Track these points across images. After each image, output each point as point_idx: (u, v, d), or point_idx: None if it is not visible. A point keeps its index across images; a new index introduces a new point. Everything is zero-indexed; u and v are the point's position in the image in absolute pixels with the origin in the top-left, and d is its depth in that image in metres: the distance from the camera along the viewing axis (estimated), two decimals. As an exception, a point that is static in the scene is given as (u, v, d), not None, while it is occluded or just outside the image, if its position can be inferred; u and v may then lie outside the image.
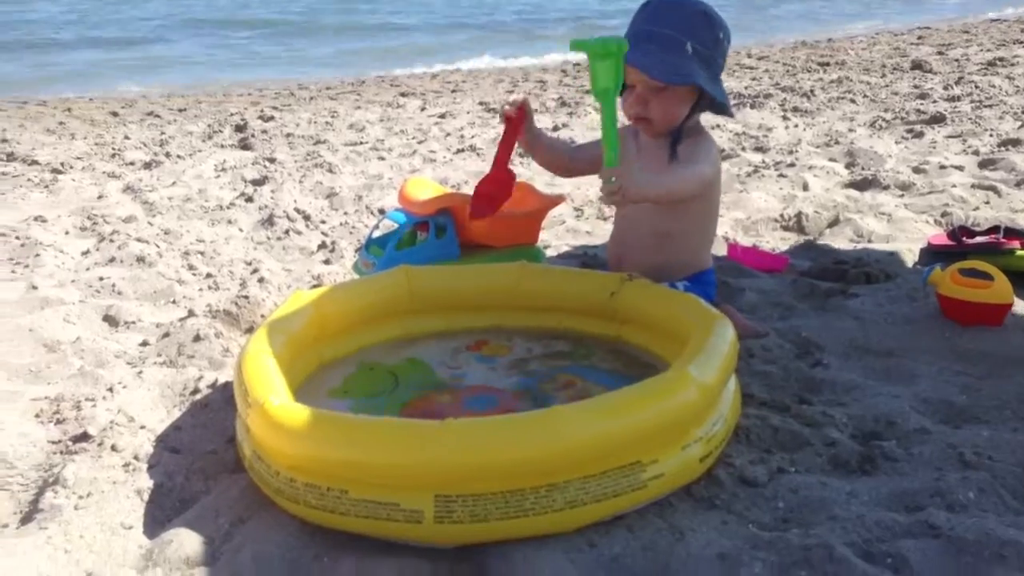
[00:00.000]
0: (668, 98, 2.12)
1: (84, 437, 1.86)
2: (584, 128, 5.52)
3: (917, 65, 7.42)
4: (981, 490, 1.58)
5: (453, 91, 7.68)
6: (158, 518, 1.63)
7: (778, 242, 3.28)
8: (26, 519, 1.64)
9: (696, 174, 2.13)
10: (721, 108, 2.20)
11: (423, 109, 6.65)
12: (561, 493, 1.47)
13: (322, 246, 3.31)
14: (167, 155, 5.04)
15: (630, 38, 2.10)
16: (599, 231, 3.40)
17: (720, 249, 3.01)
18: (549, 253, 3.06)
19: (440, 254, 2.48)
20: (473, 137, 5.35)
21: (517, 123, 2.23)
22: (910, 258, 2.93)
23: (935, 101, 5.79)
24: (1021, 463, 1.68)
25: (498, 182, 2.25)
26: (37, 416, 2.00)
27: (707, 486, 1.63)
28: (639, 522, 1.52)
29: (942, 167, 4.10)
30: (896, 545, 1.42)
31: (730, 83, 7.03)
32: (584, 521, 1.50)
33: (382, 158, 4.89)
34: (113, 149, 5.18)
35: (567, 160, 2.41)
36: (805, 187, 3.91)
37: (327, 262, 3.15)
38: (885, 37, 10.64)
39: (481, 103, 6.78)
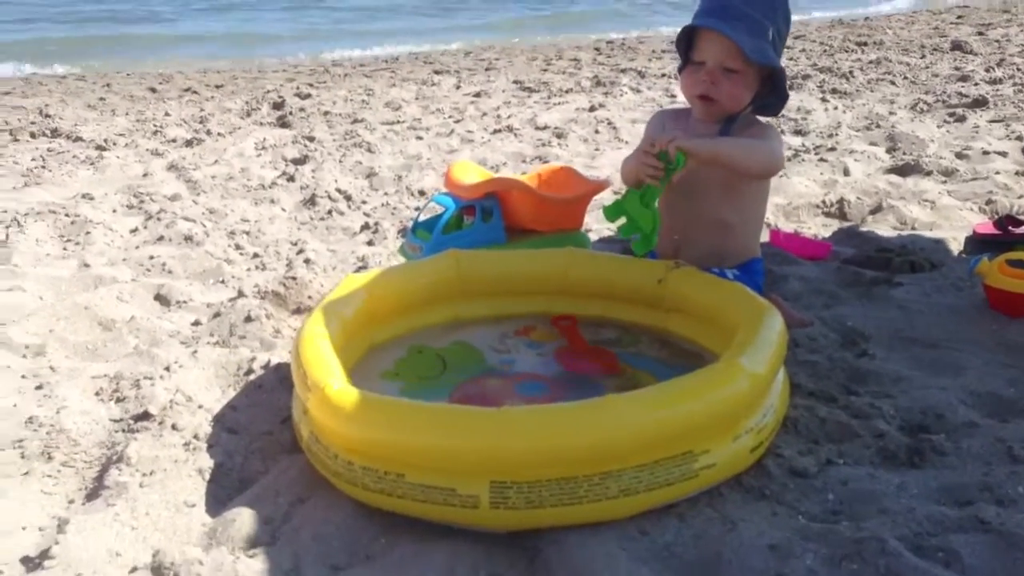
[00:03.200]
0: (739, 81, 2.10)
1: (145, 416, 1.91)
2: (620, 108, 5.51)
3: (957, 46, 7.31)
4: (1031, 485, 1.59)
5: (487, 69, 7.66)
6: (219, 497, 1.68)
7: (820, 228, 3.27)
8: (92, 495, 1.69)
9: (767, 149, 2.11)
10: (774, 106, 2.20)
11: (458, 87, 6.65)
12: (615, 481, 1.50)
13: (365, 227, 3.34)
14: (208, 133, 5.09)
15: (716, 10, 2.08)
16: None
17: (763, 235, 3.00)
18: (592, 237, 3.07)
19: (486, 238, 2.51)
20: (510, 117, 5.35)
21: (571, 329, 2.20)
22: (955, 247, 2.91)
23: (976, 84, 5.72)
24: (1070, 458, 1.69)
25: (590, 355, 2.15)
26: (98, 394, 2.06)
27: (757, 476, 1.65)
28: (690, 511, 1.55)
29: (985, 153, 4.06)
30: (947, 539, 1.44)
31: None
32: (636, 509, 1.53)
33: (420, 137, 4.91)
34: (155, 126, 5.24)
35: None
36: (846, 172, 3.89)
37: (370, 243, 3.18)
38: (924, 16, 10.47)
39: (515, 81, 6.77)
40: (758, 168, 2.12)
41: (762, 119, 2.24)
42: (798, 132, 4.71)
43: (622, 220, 2.02)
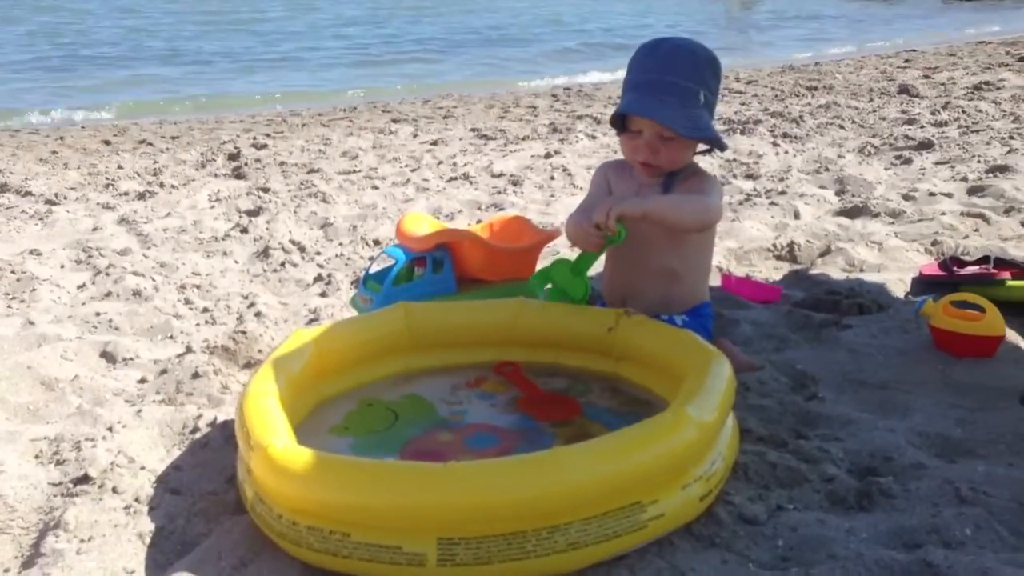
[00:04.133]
0: (678, 146, 2.14)
1: (85, 479, 1.86)
2: (576, 155, 5.56)
3: (904, 89, 7.50)
4: (978, 527, 1.60)
5: (445, 117, 7.72)
6: (160, 562, 1.63)
7: (771, 271, 3.31)
8: (28, 564, 1.64)
9: (707, 204, 2.14)
10: (719, 146, 2.22)
11: (415, 135, 6.69)
12: (563, 534, 1.49)
13: (318, 279, 3.32)
14: (161, 185, 5.05)
15: (643, 85, 2.11)
16: (594, 265, 3.41)
17: (714, 279, 3.03)
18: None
19: (437, 289, 2.50)
20: (466, 165, 5.38)
21: (517, 375, 2.20)
22: (902, 288, 2.96)
23: (923, 126, 5.86)
24: (1016, 498, 1.70)
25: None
26: (37, 457, 2.00)
27: (707, 524, 1.64)
28: (640, 562, 1.54)
29: (931, 194, 4.15)
30: (896, 584, 1.43)
31: (720, 108, 7.09)
32: (586, 562, 1.52)
33: (376, 187, 4.91)
34: (107, 179, 5.19)
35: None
36: (796, 215, 3.95)
37: (323, 295, 3.16)
38: (872, 60, 10.75)
39: (473, 129, 6.82)
40: (692, 223, 2.14)
41: (705, 171, 2.25)
42: (749, 176, 4.78)
43: (548, 286, 2.11)
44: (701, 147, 2.24)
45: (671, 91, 2.08)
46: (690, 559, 1.55)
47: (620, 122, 2.20)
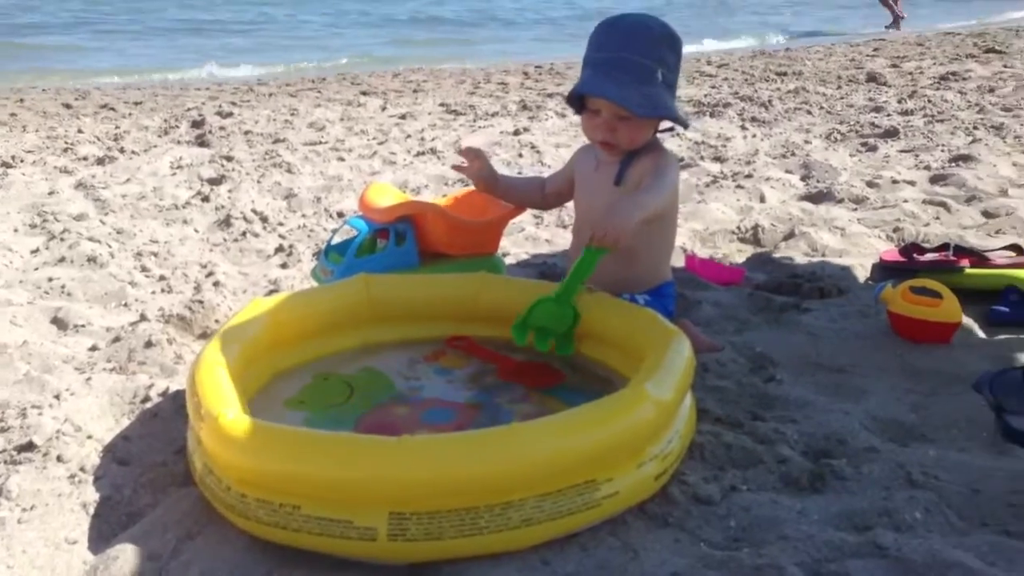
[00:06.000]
0: (636, 125, 2.11)
1: (29, 447, 1.81)
2: (545, 132, 5.53)
3: (872, 77, 7.54)
4: (927, 510, 1.61)
5: (415, 91, 7.64)
6: (104, 533, 1.60)
7: (735, 254, 3.31)
8: (-32, 532, 1.60)
9: (668, 185, 2.13)
10: (682, 124, 2.20)
11: (384, 109, 6.61)
12: (516, 511, 1.48)
13: (279, 249, 3.27)
14: (121, 150, 4.95)
15: (599, 63, 2.09)
16: (559, 239, 3.41)
17: (678, 260, 3.03)
18: (508, 261, 3.06)
19: (399, 262, 2.47)
20: (434, 139, 5.33)
21: (473, 346, 2.19)
22: (862, 273, 2.97)
23: (889, 115, 5.89)
24: (967, 483, 1.71)
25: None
26: (-20, 423, 1.95)
27: (661, 504, 1.64)
28: (593, 540, 1.53)
29: (894, 182, 4.18)
30: (845, 565, 1.44)
31: (690, 91, 7.10)
32: (538, 539, 1.51)
33: (342, 159, 4.85)
34: (66, 143, 5.08)
35: (539, 197, 2.44)
36: (762, 199, 3.95)
37: (284, 266, 3.11)
38: (841, 48, 10.80)
39: (442, 104, 6.76)
40: (664, 207, 2.15)
41: (663, 148, 2.23)
42: (717, 159, 4.79)
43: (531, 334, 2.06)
44: (666, 124, 2.23)
45: (627, 69, 2.05)
46: (643, 538, 1.55)
47: (578, 101, 2.18)
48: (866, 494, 1.68)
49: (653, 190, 2.08)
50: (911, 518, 1.59)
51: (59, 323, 2.54)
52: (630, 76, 2.05)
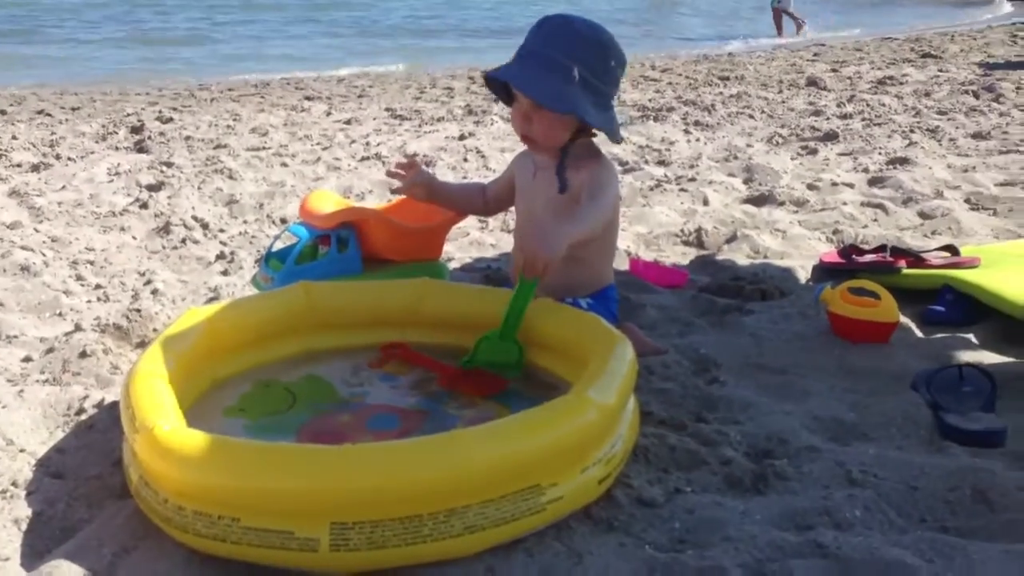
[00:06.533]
0: (549, 119, 2.10)
1: (-42, 462, 1.75)
2: (490, 137, 5.52)
3: (812, 82, 7.68)
4: (867, 508, 1.63)
5: (359, 96, 7.59)
6: (37, 549, 1.55)
7: (679, 257, 3.34)
8: None
9: (606, 206, 2.13)
10: (609, 134, 2.16)
11: (328, 114, 6.55)
12: (460, 518, 1.47)
13: (220, 257, 3.21)
14: (57, 157, 4.83)
15: (520, 56, 2.10)
16: (504, 243, 3.40)
17: (622, 263, 3.05)
18: (452, 266, 3.04)
19: (342, 269, 2.44)
20: (379, 145, 5.29)
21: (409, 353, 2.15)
22: (803, 275, 3.02)
23: (828, 118, 6.01)
24: (905, 480, 1.74)
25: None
26: (-94, 440, 1.88)
27: (605, 507, 1.64)
28: (538, 545, 1.53)
29: (834, 184, 4.25)
30: (787, 565, 1.46)
31: (634, 95, 7.16)
32: (483, 546, 1.49)
33: (285, 164, 4.79)
34: (-1, 149, 4.94)
35: (480, 203, 2.45)
36: (705, 202, 4.00)
37: (225, 273, 3.06)
38: (783, 53, 10.99)
39: (388, 109, 6.72)
40: (603, 226, 2.16)
41: (603, 157, 2.24)
42: (661, 163, 4.83)
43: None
44: (602, 136, 2.22)
45: (540, 62, 2.06)
46: (588, 542, 1.55)
47: (505, 93, 2.19)
48: (807, 493, 1.70)
49: (588, 213, 2.08)
50: (851, 516, 1.61)
51: (-10, 334, 2.46)
52: (543, 69, 2.05)
